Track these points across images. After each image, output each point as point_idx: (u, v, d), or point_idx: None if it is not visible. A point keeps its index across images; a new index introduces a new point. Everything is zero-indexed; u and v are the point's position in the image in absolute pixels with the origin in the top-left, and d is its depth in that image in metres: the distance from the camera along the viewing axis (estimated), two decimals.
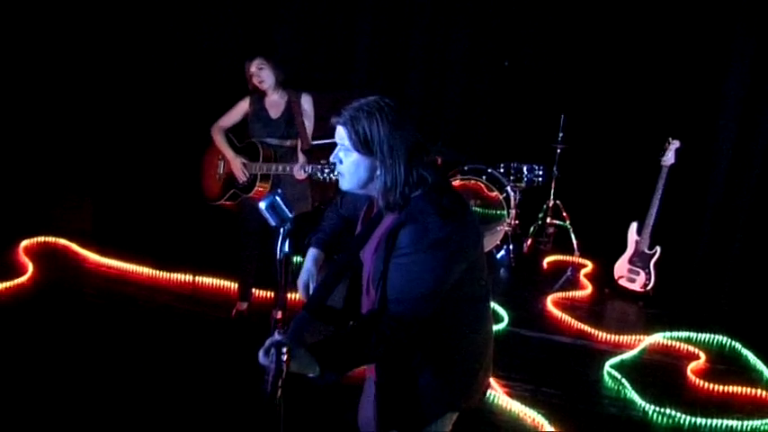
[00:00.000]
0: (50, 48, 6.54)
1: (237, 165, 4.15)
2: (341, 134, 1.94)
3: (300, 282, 2.30)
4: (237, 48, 6.87)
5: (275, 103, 4.20)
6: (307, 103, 4.23)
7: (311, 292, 2.24)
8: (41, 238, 5.40)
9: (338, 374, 1.79)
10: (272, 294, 4.61)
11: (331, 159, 2.00)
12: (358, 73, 7.45)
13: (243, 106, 4.27)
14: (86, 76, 6.75)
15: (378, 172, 1.92)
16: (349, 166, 1.95)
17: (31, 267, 4.87)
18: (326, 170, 3.76)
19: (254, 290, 4.56)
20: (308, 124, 4.20)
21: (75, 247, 5.37)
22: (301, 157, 4.13)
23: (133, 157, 6.84)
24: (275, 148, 4.16)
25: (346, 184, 2.00)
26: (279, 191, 1.83)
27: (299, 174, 3.93)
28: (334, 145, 1.99)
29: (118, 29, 6.77)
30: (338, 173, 2.00)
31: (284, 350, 1.66)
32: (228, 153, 4.20)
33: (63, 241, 5.43)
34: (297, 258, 3.85)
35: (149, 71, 6.92)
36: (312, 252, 2.35)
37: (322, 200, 5.83)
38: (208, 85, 6.50)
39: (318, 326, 2.13)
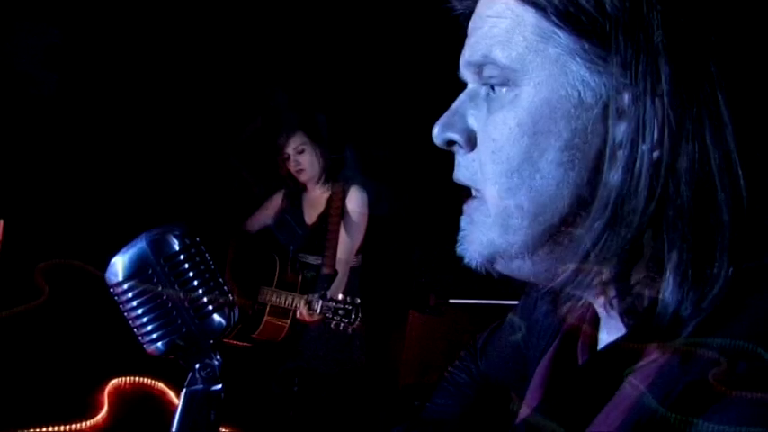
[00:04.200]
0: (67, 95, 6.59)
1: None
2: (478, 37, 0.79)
3: None
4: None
5: (315, 200, 2.84)
6: (355, 203, 2.72)
7: None
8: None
9: None
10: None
11: (438, 131, 0.83)
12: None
13: (276, 202, 3.04)
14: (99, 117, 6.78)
15: (609, 164, 0.68)
16: (497, 138, 0.75)
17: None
18: (341, 311, 2.18)
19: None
20: (347, 235, 2.64)
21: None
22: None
23: (142, 179, 6.85)
24: (306, 267, 2.78)
25: (491, 177, 0.75)
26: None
27: (306, 312, 2.48)
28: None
29: (127, 66, 6.78)
30: (456, 162, 0.80)
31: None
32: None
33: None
34: None
35: (157, 108, 6.90)
36: None
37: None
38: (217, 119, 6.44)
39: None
